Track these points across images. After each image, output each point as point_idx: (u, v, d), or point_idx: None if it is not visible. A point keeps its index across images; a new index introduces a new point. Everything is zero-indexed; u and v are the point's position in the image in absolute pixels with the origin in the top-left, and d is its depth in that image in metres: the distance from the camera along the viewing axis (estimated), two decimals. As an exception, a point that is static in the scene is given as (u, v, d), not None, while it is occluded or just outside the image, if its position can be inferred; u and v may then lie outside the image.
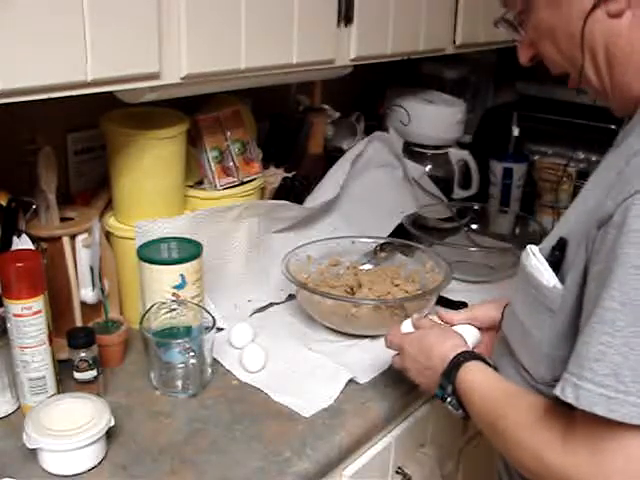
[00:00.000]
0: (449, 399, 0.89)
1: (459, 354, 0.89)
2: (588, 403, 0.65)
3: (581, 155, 1.83)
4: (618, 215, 0.67)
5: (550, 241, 0.81)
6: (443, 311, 1.09)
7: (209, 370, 1.11)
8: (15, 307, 0.95)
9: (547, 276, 0.78)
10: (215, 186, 1.31)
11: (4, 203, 1.06)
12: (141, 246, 1.17)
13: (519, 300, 0.86)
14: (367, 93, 1.84)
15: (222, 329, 1.23)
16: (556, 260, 0.79)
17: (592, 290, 0.70)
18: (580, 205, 0.81)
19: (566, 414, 0.70)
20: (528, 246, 0.84)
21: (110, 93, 0.96)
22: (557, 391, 0.68)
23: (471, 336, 1.01)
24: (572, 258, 0.76)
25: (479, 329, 1.04)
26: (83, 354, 1.01)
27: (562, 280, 0.77)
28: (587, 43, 0.79)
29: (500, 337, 0.94)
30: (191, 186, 1.31)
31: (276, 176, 1.49)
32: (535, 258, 0.81)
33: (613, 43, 0.77)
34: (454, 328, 1.02)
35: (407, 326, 1.05)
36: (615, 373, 0.64)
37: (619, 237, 0.66)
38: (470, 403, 0.85)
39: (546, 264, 0.79)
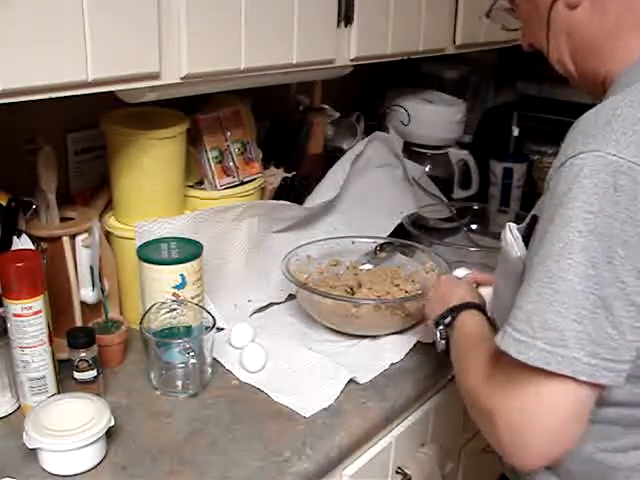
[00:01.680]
0: (441, 327, 0.98)
1: (473, 302, 0.99)
2: (506, 345, 0.72)
3: (581, 155, 1.82)
4: (552, 181, 0.74)
5: (526, 220, 0.86)
6: (479, 274, 1.16)
7: (209, 370, 1.11)
8: (15, 307, 0.95)
9: (517, 247, 0.83)
10: (215, 186, 1.31)
11: (4, 203, 1.06)
12: (141, 246, 1.17)
13: (499, 277, 0.91)
14: (367, 93, 1.84)
15: (222, 329, 1.23)
16: (529, 235, 0.83)
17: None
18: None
19: (501, 357, 0.76)
20: (507, 223, 0.89)
21: (110, 93, 0.96)
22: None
23: None
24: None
25: None
26: (83, 354, 1.01)
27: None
28: (552, 32, 0.85)
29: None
30: (191, 186, 1.31)
31: (276, 176, 1.49)
32: (510, 233, 0.86)
33: (574, 32, 0.84)
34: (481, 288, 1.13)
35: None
36: (528, 320, 0.70)
37: (547, 200, 0.74)
38: (456, 336, 0.95)
39: (519, 237, 0.84)
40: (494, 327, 0.92)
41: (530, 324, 0.69)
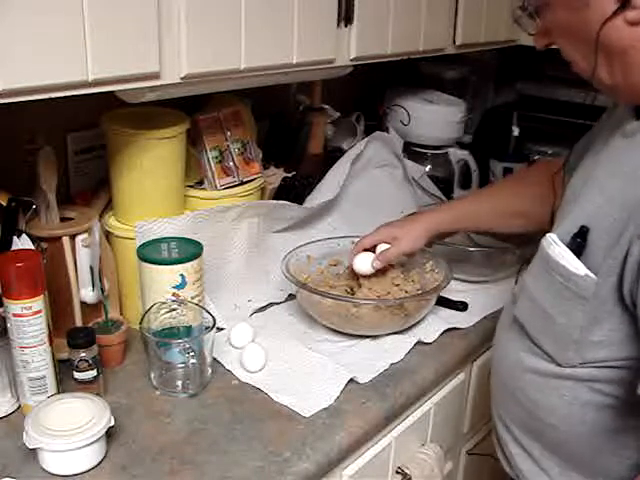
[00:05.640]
0: None
1: None
2: None
3: (581, 155, 1.83)
4: None
5: (567, 229, 0.84)
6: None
7: (209, 370, 1.11)
8: (15, 307, 0.95)
9: (576, 264, 0.81)
10: (215, 186, 1.31)
11: (4, 203, 1.06)
12: (141, 246, 1.17)
13: (541, 288, 0.88)
14: (367, 93, 1.84)
15: (222, 329, 1.23)
16: (578, 247, 0.82)
17: None
18: (597, 195, 0.83)
19: None
20: (547, 234, 0.87)
21: (110, 93, 0.96)
22: None
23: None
24: (600, 246, 0.80)
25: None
26: (83, 354, 1.01)
27: (586, 266, 0.81)
28: (602, 47, 0.81)
29: (506, 324, 0.98)
30: (191, 186, 1.31)
31: (276, 176, 1.49)
32: (558, 247, 0.84)
33: (631, 48, 0.80)
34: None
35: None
36: None
37: None
38: None
39: (570, 253, 0.82)
40: None
41: None
